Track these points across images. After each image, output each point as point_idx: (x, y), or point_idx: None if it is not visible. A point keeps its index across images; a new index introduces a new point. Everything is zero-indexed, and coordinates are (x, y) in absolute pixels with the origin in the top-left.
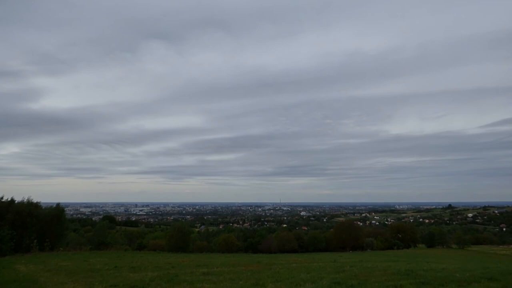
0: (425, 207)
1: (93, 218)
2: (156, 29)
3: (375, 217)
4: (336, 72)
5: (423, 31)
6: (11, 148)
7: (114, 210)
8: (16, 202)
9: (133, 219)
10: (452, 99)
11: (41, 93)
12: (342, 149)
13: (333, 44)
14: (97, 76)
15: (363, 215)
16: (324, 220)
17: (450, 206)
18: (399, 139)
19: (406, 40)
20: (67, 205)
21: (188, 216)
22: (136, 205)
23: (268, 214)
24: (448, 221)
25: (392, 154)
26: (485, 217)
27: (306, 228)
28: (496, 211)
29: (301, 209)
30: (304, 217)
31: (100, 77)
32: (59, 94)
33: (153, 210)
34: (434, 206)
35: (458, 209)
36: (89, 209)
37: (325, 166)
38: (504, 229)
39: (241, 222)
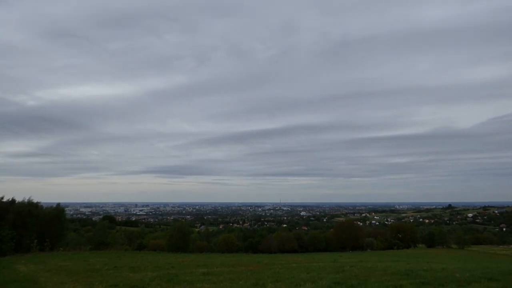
0: (425, 207)
1: (93, 218)
2: None
3: (375, 217)
4: None
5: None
6: (12, 147)
7: (114, 210)
8: (16, 202)
9: (133, 219)
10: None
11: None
12: (343, 148)
13: None
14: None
15: (363, 215)
16: (324, 220)
17: (450, 206)
18: (400, 138)
19: None
20: (67, 205)
21: (188, 216)
22: (136, 205)
23: (268, 214)
24: (448, 221)
25: (393, 153)
26: (485, 217)
27: (306, 228)
28: (496, 211)
29: (301, 209)
30: (304, 217)
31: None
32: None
33: (153, 210)
34: (434, 206)
35: (458, 209)
36: (89, 209)
37: (325, 166)
38: (504, 229)
39: (241, 222)
